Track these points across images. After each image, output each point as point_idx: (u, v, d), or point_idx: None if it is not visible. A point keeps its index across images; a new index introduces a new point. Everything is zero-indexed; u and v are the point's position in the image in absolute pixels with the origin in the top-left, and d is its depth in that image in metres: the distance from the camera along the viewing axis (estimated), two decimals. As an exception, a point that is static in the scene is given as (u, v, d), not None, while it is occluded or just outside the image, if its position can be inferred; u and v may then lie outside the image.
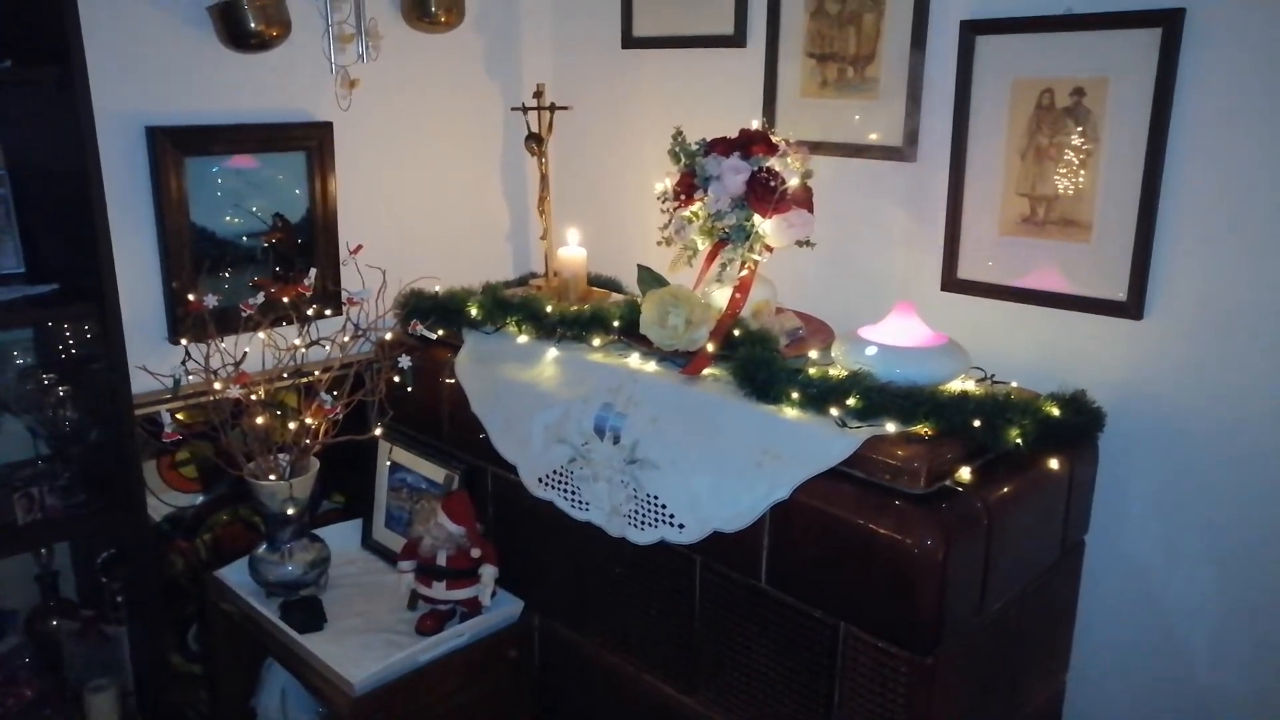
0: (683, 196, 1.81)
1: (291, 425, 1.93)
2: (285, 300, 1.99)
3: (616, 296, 2.26)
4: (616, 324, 1.86)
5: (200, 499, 2.17)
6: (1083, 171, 1.69)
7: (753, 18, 2.13)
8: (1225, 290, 1.59)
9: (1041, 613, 1.68)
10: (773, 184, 1.71)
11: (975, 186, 1.82)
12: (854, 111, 1.98)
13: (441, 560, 1.92)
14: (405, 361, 1.94)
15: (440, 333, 2.09)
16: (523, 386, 1.89)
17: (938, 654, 1.43)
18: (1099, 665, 1.84)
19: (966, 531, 1.42)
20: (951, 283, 1.89)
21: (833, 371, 1.59)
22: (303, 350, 1.98)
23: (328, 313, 2.17)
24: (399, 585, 2.02)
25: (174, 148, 1.98)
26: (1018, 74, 1.74)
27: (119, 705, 2.00)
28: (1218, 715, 1.71)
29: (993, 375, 1.73)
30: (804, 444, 1.52)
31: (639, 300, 1.81)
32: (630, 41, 2.39)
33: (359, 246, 2.04)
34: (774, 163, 1.73)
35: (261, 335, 1.96)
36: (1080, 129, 1.68)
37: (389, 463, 2.24)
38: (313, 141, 2.16)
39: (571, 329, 1.90)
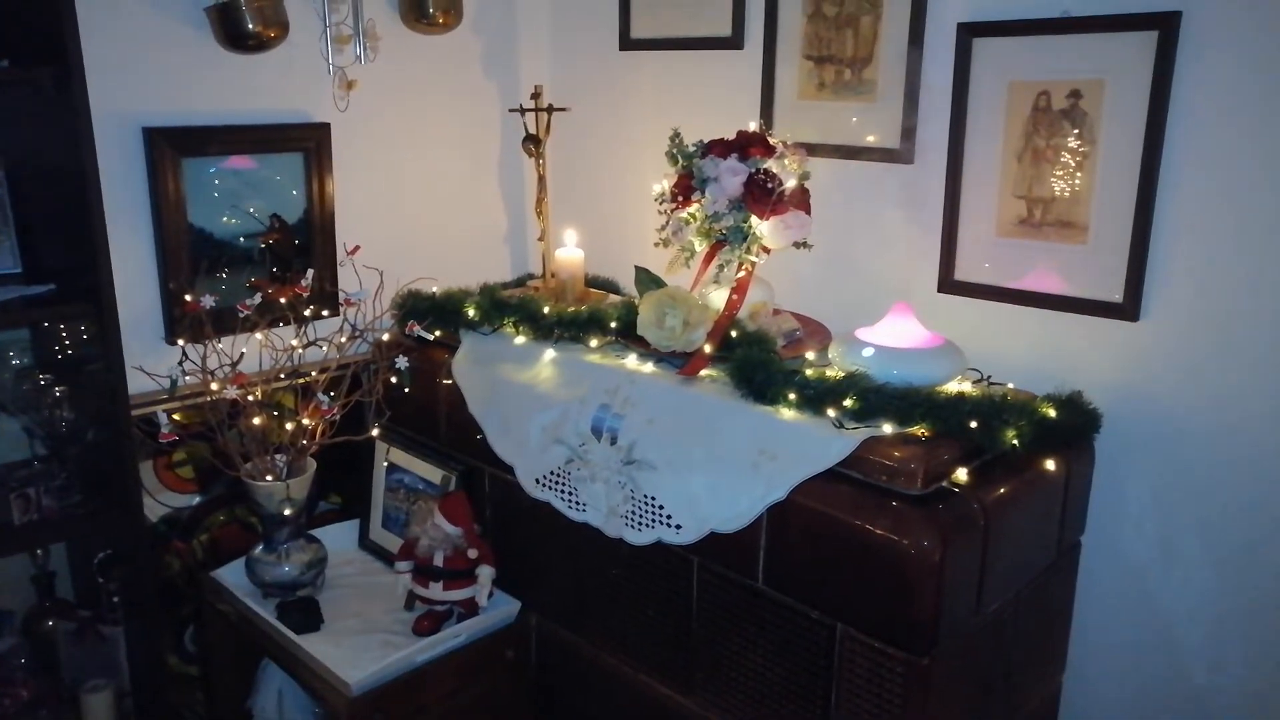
0: (680, 198, 1.81)
1: (288, 426, 1.93)
2: (282, 301, 1.99)
3: (614, 298, 2.26)
4: (614, 325, 1.86)
5: (197, 500, 2.16)
6: (1079, 173, 1.70)
7: (750, 20, 2.13)
8: (1221, 292, 1.59)
9: (1038, 614, 1.69)
10: (770, 186, 1.71)
11: (972, 188, 1.83)
12: (851, 113, 1.99)
13: (438, 561, 1.92)
14: (402, 362, 1.94)
15: (438, 334, 2.09)
16: (520, 387, 1.89)
17: (934, 655, 1.43)
18: (1096, 666, 1.84)
19: (963, 532, 1.43)
20: (948, 284, 1.89)
21: (830, 373, 1.59)
22: (300, 351, 1.98)
23: (325, 313, 2.18)
24: (396, 586, 2.02)
25: (171, 148, 1.98)
26: (1014, 76, 1.74)
27: (115, 706, 2.00)
28: (1214, 716, 1.72)
29: (989, 376, 1.73)
30: (801, 445, 1.52)
31: (636, 301, 1.81)
32: (628, 43, 2.39)
33: (356, 247, 2.04)
34: (771, 164, 1.73)
35: (258, 336, 1.96)
36: (1077, 131, 1.69)
37: (386, 463, 2.24)
38: (310, 142, 2.16)
39: (569, 330, 1.90)
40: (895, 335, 1.64)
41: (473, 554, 1.93)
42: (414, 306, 2.10)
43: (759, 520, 1.55)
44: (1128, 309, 1.67)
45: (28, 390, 1.91)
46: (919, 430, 1.51)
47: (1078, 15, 1.65)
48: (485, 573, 1.94)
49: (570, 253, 2.21)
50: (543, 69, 2.58)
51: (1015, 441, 1.51)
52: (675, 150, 1.83)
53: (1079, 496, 1.71)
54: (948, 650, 1.45)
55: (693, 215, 1.80)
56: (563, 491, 1.81)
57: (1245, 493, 1.62)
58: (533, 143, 2.32)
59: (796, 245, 1.79)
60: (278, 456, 1.94)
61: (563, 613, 1.98)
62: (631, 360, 1.82)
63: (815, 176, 1.80)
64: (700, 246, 1.81)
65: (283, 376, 2.01)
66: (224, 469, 1.94)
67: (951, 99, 1.82)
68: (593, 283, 2.36)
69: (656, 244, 1.87)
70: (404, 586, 1.99)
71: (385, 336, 2.03)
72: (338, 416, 1.95)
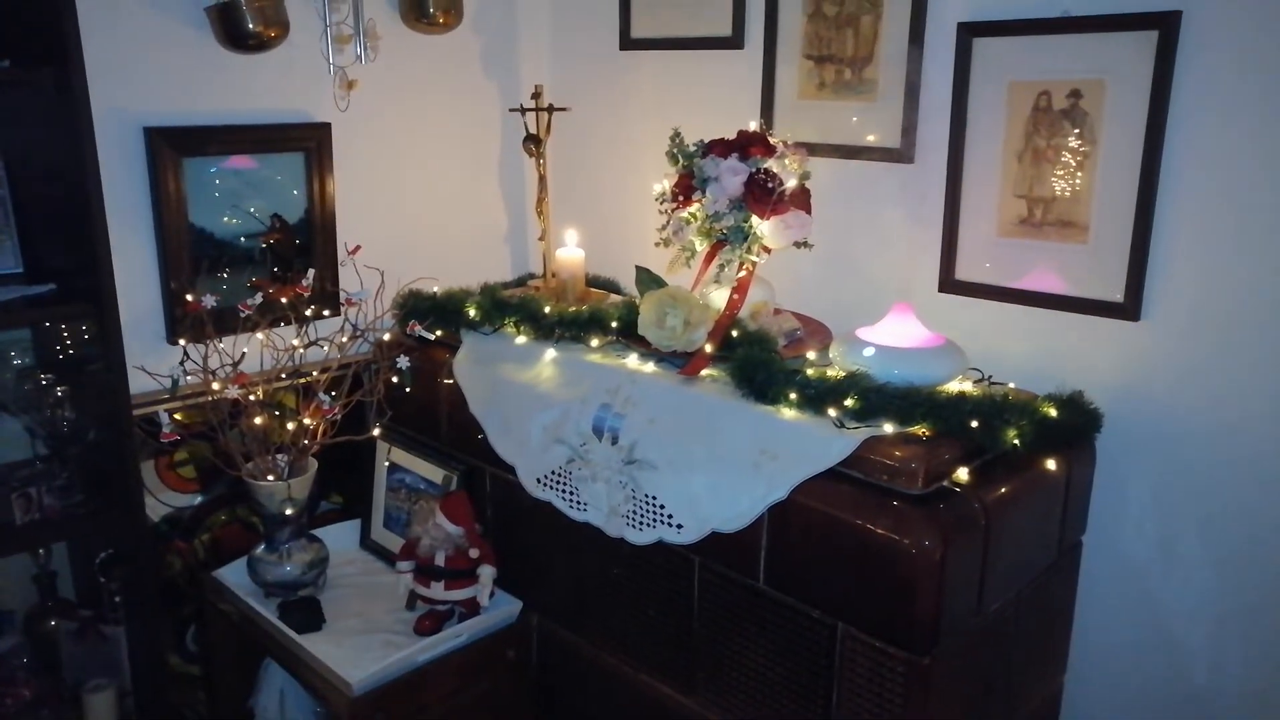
0: (681, 198, 1.81)
1: (290, 426, 1.93)
2: (283, 301, 1.99)
3: (615, 297, 2.26)
4: (615, 325, 1.86)
5: (198, 499, 2.17)
6: (1080, 173, 1.70)
7: (750, 20, 2.13)
8: (1222, 291, 1.59)
9: (1039, 613, 1.69)
10: (770, 185, 1.71)
11: (973, 188, 1.83)
12: (852, 113, 1.99)
13: (440, 561, 1.92)
14: (404, 362, 1.94)
15: (439, 333, 2.09)
16: (521, 387, 1.89)
17: (935, 654, 1.43)
18: (1096, 666, 1.84)
19: (964, 532, 1.43)
20: (949, 284, 1.89)
21: (830, 372, 1.59)
22: (301, 351, 1.98)
23: (326, 313, 2.18)
24: (397, 586, 2.03)
25: (172, 148, 1.98)
26: (1015, 76, 1.74)
27: (117, 706, 2.00)
28: (1215, 716, 1.72)
29: (990, 376, 1.73)
30: (802, 444, 1.53)
31: (637, 301, 1.81)
32: (628, 43, 2.39)
33: (357, 247, 2.04)
34: (772, 164, 1.73)
35: (260, 336, 1.96)
36: (1077, 131, 1.69)
37: (387, 463, 2.24)
38: (311, 142, 2.16)
39: (570, 330, 1.91)
40: (896, 335, 1.64)
41: (474, 554, 1.93)
42: (415, 306, 2.10)
43: (760, 520, 1.55)
44: (1128, 309, 1.67)
45: (29, 390, 1.91)
46: (920, 430, 1.51)
47: (1078, 15, 1.65)
48: (486, 572, 1.95)
49: (571, 252, 2.21)
50: (543, 69, 2.58)
51: (1016, 441, 1.51)
52: (676, 150, 1.83)
53: (1080, 496, 1.71)
54: (949, 650, 1.45)
55: (693, 215, 1.80)
56: (564, 491, 1.81)
57: (1245, 493, 1.62)
58: (533, 142, 2.32)
59: (797, 245, 1.79)
60: (279, 456, 1.94)
61: (564, 612, 1.98)
62: (632, 360, 1.82)
63: (816, 176, 1.80)
64: (701, 246, 1.81)
65: (284, 376, 2.01)
66: (225, 469, 1.94)
67: (952, 99, 1.82)
68: (593, 282, 2.36)
69: (657, 244, 1.88)
70: (405, 586, 2.00)
71: (386, 336, 2.04)
72: (339, 416, 1.95)
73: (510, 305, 2.00)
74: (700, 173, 1.78)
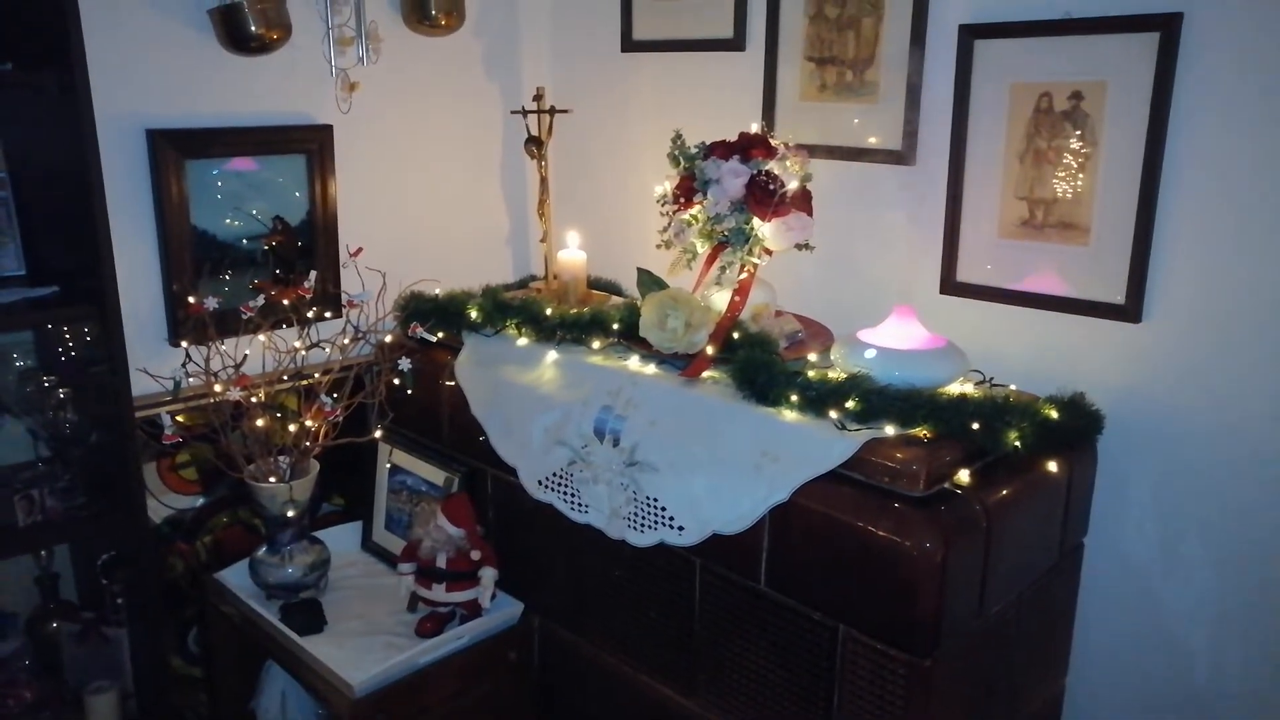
0: (682, 200, 1.81)
1: (291, 427, 1.94)
2: (285, 303, 2.00)
3: (616, 299, 2.26)
4: (616, 327, 1.86)
5: (200, 501, 2.17)
6: (1081, 175, 1.70)
7: (752, 21, 2.13)
8: (1223, 293, 1.60)
9: (1040, 615, 1.69)
10: (772, 187, 1.71)
11: (974, 190, 1.83)
12: (853, 115, 1.99)
13: (441, 563, 1.92)
14: (405, 364, 1.95)
15: (440, 335, 2.09)
16: (522, 389, 1.89)
17: (937, 656, 1.43)
18: (1098, 667, 1.84)
19: (965, 534, 1.43)
20: (950, 286, 1.89)
21: (832, 374, 1.59)
22: (303, 353, 1.99)
23: (328, 315, 2.18)
24: (399, 587, 2.03)
25: (174, 150, 1.98)
26: (1016, 78, 1.74)
27: (119, 708, 2.00)
28: (1216, 716, 1.72)
29: (991, 378, 1.73)
30: (803, 446, 1.53)
31: (638, 303, 1.82)
32: (630, 45, 2.39)
33: (359, 249, 2.04)
34: (773, 166, 1.73)
35: (262, 338, 1.97)
36: (1079, 132, 1.69)
37: (389, 465, 2.24)
38: (313, 144, 2.17)
39: (571, 332, 1.91)
40: (897, 337, 1.64)
41: (475, 556, 1.93)
42: (417, 308, 2.10)
43: (761, 522, 1.55)
44: (1130, 310, 1.67)
45: (31, 392, 1.92)
46: (921, 432, 1.51)
47: (1079, 17, 1.65)
48: (488, 574, 1.95)
49: (572, 254, 2.21)
50: (544, 71, 2.58)
51: (1018, 443, 1.51)
52: (677, 152, 1.83)
53: (1081, 498, 1.71)
54: (950, 652, 1.45)
55: (695, 217, 1.80)
56: (565, 493, 1.81)
57: (1246, 493, 1.62)
58: (535, 144, 2.32)
59: (798, 247, 1.79)
60: (281, 458, 1.95)
61: (565, 614, 1.98)
62: (634, 362, 1.82)
63: (817, 178, 1.80)
64: (702, 248, 1.81)
65: (286, 378, 2.02)
66: (227, 471, 1.95)
67: (953, 100, 1.82)
68: (595, 284, 2.35)
69: (658, 246, 1.88)
70: (407, 588, 2.00)
71: (388, 338, 2.04)
72: (341, 418, 1.95)
73: (512, 307, 2.00)
74: (702, 175, 1.78)
